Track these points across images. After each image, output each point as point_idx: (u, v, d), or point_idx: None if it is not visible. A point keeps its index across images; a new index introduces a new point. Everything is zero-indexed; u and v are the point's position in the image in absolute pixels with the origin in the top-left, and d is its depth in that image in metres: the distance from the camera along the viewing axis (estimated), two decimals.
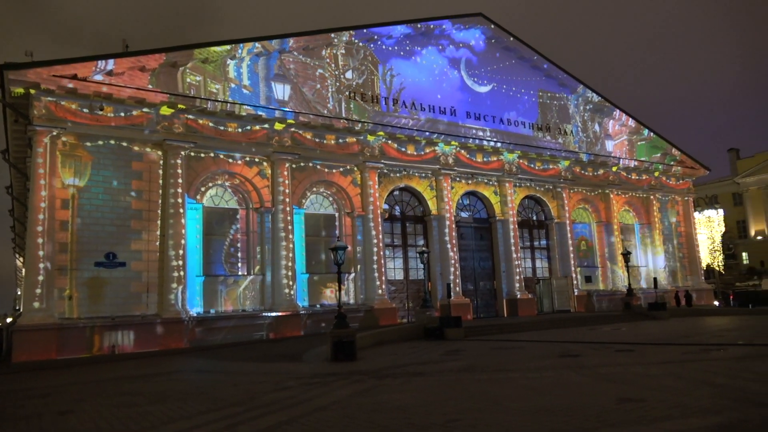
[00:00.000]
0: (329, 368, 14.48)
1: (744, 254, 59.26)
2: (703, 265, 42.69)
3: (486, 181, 32.22)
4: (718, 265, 47.33)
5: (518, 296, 31.07)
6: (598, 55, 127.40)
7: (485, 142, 31.50)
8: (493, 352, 16.86)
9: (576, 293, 33.35)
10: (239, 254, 24.56)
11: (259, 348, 20.72)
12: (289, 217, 24.81)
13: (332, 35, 27.38)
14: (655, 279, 34.96)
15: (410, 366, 14.09)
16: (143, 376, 14.64)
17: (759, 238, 57.96)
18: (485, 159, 31.79)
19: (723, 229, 48.49)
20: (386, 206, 28.56)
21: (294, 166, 25.62)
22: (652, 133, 39.28)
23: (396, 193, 29.70)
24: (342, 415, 8.64)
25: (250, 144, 24.55)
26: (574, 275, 33.62)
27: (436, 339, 21.46)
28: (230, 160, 24.34)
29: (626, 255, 32.25)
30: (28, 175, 22.78)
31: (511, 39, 33.44)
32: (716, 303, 40.00)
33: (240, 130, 24.32)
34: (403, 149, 28.93)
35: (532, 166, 33.43)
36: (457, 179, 31.07)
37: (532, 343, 19.13)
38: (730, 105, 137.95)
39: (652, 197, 38.53)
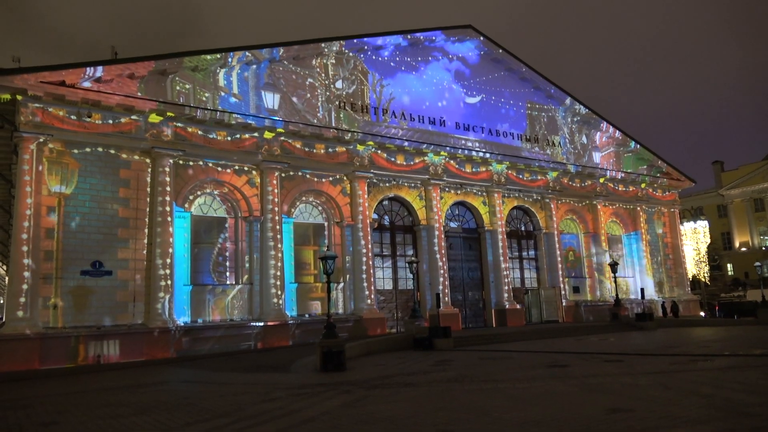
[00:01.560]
0: (318, 379, 14.38)
1: (729, 265, 59.98)
2: (689, 276, 43.07)
3: (475, 191, 32.34)
4: (704, 276, 47.77)
5: (507, 306, 31.12)
6: (586, 69, 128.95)
7: (474, 153, 31.68)
8: (482, 362, 16.85)
9: (564, 304, 33.47)
10: (227, 263, 24.38)
11: (246, 358, 20.53)
12: (278, 226, 24.69)
13: (322, 45, 27.46)
14: (642, 290, 35.22)
15: (399, 376, 14.03)
16: (129, 387, 14.44)
17: (743, 249, 58.72)
18: (474, 169, 31.95)
19: (708, 241, 49.03)
20: (375, 216, 28.57)
21: (283, 175, 25.56)
22: (638, 145, 39.73)
23: (385, 202, 29.72)
24: (331, 426, 8.57)
25: (239, 152, 24.46)
26: (562, 286, 33.75)
27: (425, 349, 21.41)
28: (219, 169, 24.23)
29: (613, 266, 32.49)
30: (14, 182, 22.50)
31: (500, 51, 33.77)
32: (702, 314, 40.32)
33: (229, 138, 24.24)
34: (393, 159, 29.00)
35: (521, 176, 33.66)
36: (447, 189, 31.18)
37: (521, 353, 19.15)
38: (715, 118, 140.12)
39: (638, 208, 38.88)
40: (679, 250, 40.80)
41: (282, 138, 25.45)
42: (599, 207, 36.75)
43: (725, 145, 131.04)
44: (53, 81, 20.36)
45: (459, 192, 31.74)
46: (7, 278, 22.48)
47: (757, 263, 34.56)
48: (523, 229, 34.55)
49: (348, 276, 26.89)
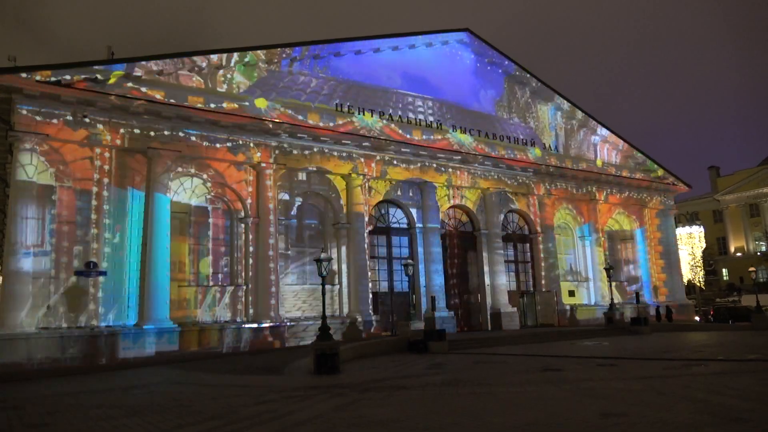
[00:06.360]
0: (311, 381, 14.34)
1: (724, 270, 60.13)
2: (684, 280, 43.14)
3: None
4: (699, 281, 47.93)
5: (502, 310, 31.08)
6: (581, 75, 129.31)
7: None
8: (476, 366, 16.82)
9: (559, 307, 33.44)
10: (223, 264, 24.28)
11: (241, 360, 20.46)
12: (272, 228, 24.59)
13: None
14: (636, 294, 35.27)
15: (393, 379, 14.00)
16: (121, 388, 14.38)
17: (738, 254, 58.89)
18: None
19: (703, 246, 49.21)
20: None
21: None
22: (634, 150, 39.70)
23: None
24: (323, 429, 8.54)
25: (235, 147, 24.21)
26: (557, 289, 33.73)
27: (419, 352, 21.36)
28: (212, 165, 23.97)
29: (608, 270, 32.54)
30: (8, 181, 22.39)
31: (493, 52, 33.22)
32: (697, 318, 40.40)
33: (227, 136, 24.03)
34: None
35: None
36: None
37: (515, 357, 19.13)
38: (711, 123, 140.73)
39: (633, 213, 38.94)
40: (674, 254, 40.84)
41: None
42: (597, 206, 36.62)
43: (721, 151, 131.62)
44: (49, 80, 20.28)
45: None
46: (1, 278, 22.39)
47: (752, 268, 34.66)
48: (519, 232, 34.53)
49: (344, 278, 26.72)
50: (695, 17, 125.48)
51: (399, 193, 28.85)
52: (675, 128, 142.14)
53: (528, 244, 34.63)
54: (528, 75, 34.58)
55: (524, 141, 33.16)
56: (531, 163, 33.35)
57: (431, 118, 28.03)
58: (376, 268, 28.71)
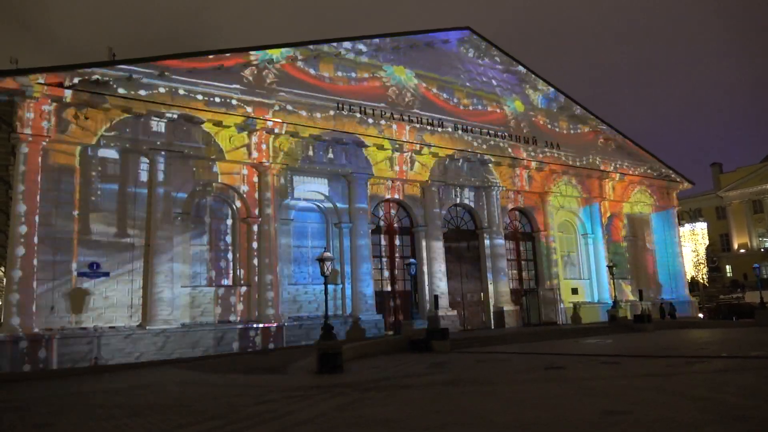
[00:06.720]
0: (314, 381, 14.35)
1: (727, 267, 59.98)
2: (688, 277, 43.04)
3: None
4: (703, 278, 47.78)
5: (505, 308, 31.03)
6: (586, 72, 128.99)
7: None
8: (479, 364, 16.81)
9: (562, 305, 33.38)
10: (226, 265, 24.32)
11: (243, 360, 20.49)
12: (275, 227, 24.63)
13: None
14: (640, 291, 35.19)
15: (395, 379, 14.00)
16: (124, 389, 14.40)
17: (742, 251, 58.72)
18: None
19: (707, 242, 49.06)
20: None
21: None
22: (636, 146, 39.58)
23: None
24: (325, 428, 8.54)
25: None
26: (560, 287, 33.65)
27: (422, 351, 21.34)
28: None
29: (611, 267, 32.47)
30: (11, 183, 22.46)
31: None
32: (700, 315, 40.30)
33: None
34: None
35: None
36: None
37: (518, 355, 19.11)
38: (714, 120, 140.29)
39: (637, 211, 38.85)
40: (677, 251, 40.73)
41: None
42: (599, 207, 36.54)
43: (724, 147, 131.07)
44: (51, 82, 20.31)
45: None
46: (4, 280, 22.47)
47: (756, 265, 34.56)
48: (521, 230, 34.47)
49: (346, 278, 26.72)
50: (696, 14, 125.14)
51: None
52: (677, 126, 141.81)
53: (531, 242, 34.55)
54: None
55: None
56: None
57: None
58: (380, 267, 28.72)
